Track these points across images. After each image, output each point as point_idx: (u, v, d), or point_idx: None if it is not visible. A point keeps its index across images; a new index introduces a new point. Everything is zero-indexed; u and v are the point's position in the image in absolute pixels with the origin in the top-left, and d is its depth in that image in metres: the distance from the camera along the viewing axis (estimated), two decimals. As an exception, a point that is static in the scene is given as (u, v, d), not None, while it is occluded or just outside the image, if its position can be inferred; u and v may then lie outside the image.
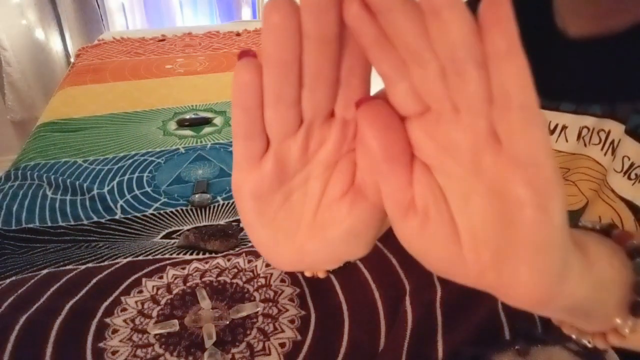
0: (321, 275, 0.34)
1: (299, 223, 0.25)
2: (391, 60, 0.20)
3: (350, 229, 0.24)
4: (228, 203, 0.91)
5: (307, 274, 0.34)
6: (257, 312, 0.56)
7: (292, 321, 0.54)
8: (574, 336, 0.29)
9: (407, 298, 0.53)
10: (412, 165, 0.22)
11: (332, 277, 0.61)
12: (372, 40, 0.19)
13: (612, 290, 0.25)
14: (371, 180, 0.23)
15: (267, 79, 0.21)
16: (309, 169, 0.24)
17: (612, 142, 0.41)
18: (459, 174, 0.21)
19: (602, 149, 0.42)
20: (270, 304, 0.57)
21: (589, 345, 0.29)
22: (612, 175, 0.40)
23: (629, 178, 0.39)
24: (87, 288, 0.59)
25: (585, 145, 0.44)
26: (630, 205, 0.39)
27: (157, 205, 0.91)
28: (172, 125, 1.29)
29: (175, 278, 0.62)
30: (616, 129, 0.40)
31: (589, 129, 0.43)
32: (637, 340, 0.27)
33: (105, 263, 0.65)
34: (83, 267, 0.64)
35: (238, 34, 2.18)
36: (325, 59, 0.20)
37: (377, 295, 0.57)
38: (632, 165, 0.39)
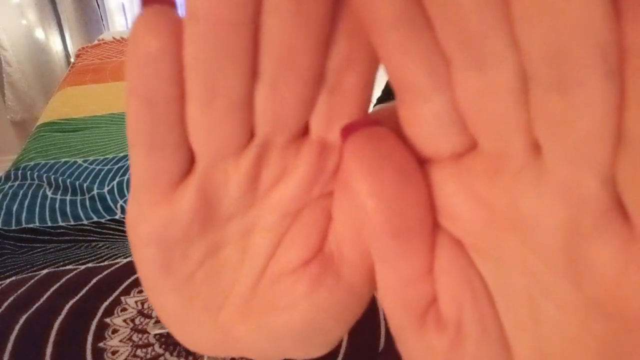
0: None
1: (227, 294, 0.16)
2: (424, 56, 0.11)
3: (305, 322, 0.15)
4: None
5: None
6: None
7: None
8: None
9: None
10: (435, 241, 0.13)
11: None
12: (393, 15, 0.10)
13: None
14: (354, 249, 0.14)
15: (193, 50, 0.12)
16: (254, 214, 0.15)
17: None
18: (528, 264, 0.12)
19: None
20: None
21: None
22: None
23: None
24: (87, 288, 0.59)
25: None
26: None
27: (157, 205, 0.91)
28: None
29: (175, 278, 0.62)
30: None
31: None
32: None
33: (105, 263, 0.65)
34: (83, 267, 0.64)
35: (238, 34, 2.18)
36: (302, 31, 0.11)
37: (376, 294, 0.57)
38: None
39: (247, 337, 0.16)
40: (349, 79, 0.13)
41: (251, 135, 0.14)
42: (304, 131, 0.14)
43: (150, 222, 0.15)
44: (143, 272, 0.16)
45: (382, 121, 0.13)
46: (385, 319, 0.53)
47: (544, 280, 0.12)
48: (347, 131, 0.13)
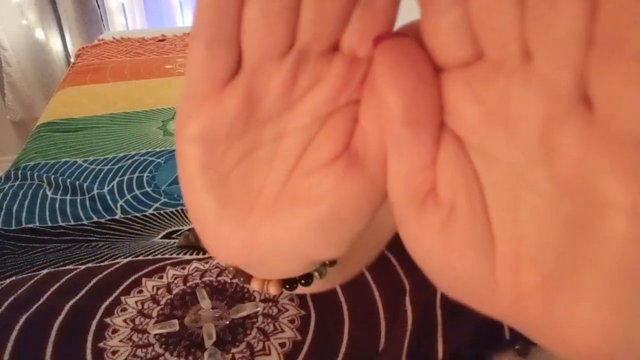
0: (273, 290, 0.24)
1: (259, 192, 0.18)
2: None
3: (332, 211, 0.17)
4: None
5: (255, 285, 0.24)
6: (257, 312, 0.56)
7: (292, 321, 0.54)
8: None
9: (407, 298, 0.53)
10: (440, 138, 0.15)
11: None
12: None
13: None
14: (377, 145, 0.17)
15: None
16: (288, 117, 0.17)
17: None
18: (511, 156, 0.14)
19: None
20: (270, 303, 0.57)
21: None
22: None
23: None
24: (87, 288, 0.59)
25: None
26: None
27: (157, 205, 0.91)
28: (172, 125, 1.29)
29: (175, 278, 0.62)
30: None
31: None
32: None
33: (105, 263, 0.65)
34: (83, 267, 0.64)
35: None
36: None
37: (376, 294, 0.57)
38: None
39: (273, 237, 0.18)
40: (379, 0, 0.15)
41: (292, 43, 0.16)
42: (336, 46, 0.17)
43: (199, 118, 0.17)
44: (184, 169, 0.18)
45: (408, 34, 0.15)
46: (385, 319, 0.53)
47: (523, 170, 0.14)
48: (379, 39, 0.15)
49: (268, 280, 0.25)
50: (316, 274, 0.25)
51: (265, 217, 0.18)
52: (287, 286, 0.25)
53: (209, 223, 0.19)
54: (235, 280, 0.62)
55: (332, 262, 0.25)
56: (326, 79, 0.17)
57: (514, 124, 0.14)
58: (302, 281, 0.25)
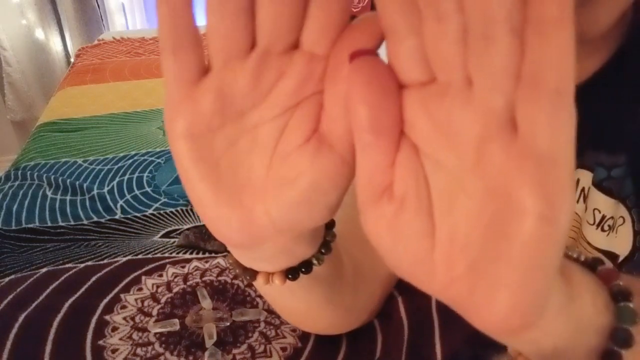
0: (278, 281, 0.27)
1: (247, 178, 0.21)
2: (404, 7, 0.16)
3: (312, 185, 0.20)
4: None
5: (261, 280, 0.27)
6: (259, 319, 0.56)
7: (293, 330, 0.54)
8: None
9: (400, 304, 0.53)
10: (400, 144, 0.18)
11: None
12: None
13: (588, 331, 0.21)
14: (341, 127, 0.19)
15: None
16: (261, 110, 0.20)
17: (583, 189, 0.38)
18: (452, 164, 0.17)
19: (577, 200, 0.39)
20: (274, 315, 0.56)
21: None
22: (586, 228, 0.38)
23: (602, 230, 0.36)
24: (86, 286, 0.59)
25: None
26: (608, 254, 0.36)
27: (157, 205, 0.91)
28: (172, 126, 1.29)
29: (175, 276, 0.62)
30: (585, 177, 0.38)
31: None
32: None
33: (105, 261, 0.65)
34: (82, 265, 0.64)
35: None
36: None
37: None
38: (603, 217, 0.36)
39: (266, 214, 0.21)
40: (333, 4, 0.18)
41: (254, 43, 0.18)
42: (296, 45, 0.19)
43: (180, 117, 0.19)
44: (179, 163, 0.20)
45: (374, 50, 0.18)
46: (381, 327, 0.53)
47: (461, 175, 0.17)
48: (354, 55, 0.18)
49: (272, 273, 0.27)
50: (315, 260, 0.28)
51: (257, 198, 0.21)
52: (290, 276, 0.27)
53: (208, 208, 0.21)
54: (236, 281, 0.61)
55: (327, 249, 0.28)
56: (289, 74, 0.19)
57: (456, 137, 0.17)
58: (303, 269, 0.27)
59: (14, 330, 0.52)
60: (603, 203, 0.36)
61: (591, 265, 0.23)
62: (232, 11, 0.17)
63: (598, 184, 0.36)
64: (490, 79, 0.15)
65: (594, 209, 0.37)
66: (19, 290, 0.58)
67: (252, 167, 0.21)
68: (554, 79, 0.14)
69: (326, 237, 0.29)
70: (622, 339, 0.21)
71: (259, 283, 0.28)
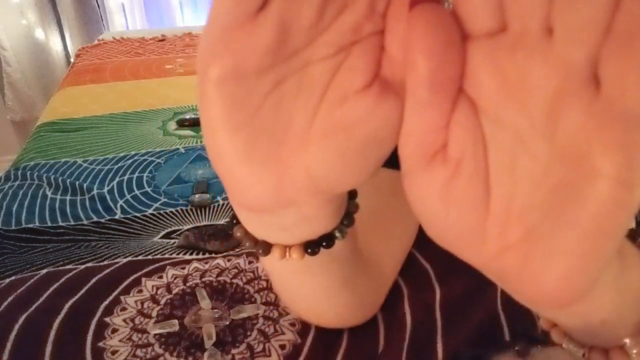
0: (295, 255, 0.24)
1: (287, 128, 0.18)
2: None
3: (371, 134, 0.18)
4: (228, 203, 0.91)
5: (276, 253, 0.24)
6: (258, 314, 0.56)
7: (292, 324, 0.54)
8: (563, 345, 0.24)
9: (406, 301, 0.53)
10: (456, 102, 0.17)
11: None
12: None
13: (636, 304, 0.20)
14: (404, 71, 0.17)
15: None
16: (313, 48, 0.17)
17: None
18: (519, 124, 0.16)
19: None
20: (272, 307, 0.57)
21: (582, 359, 0.24)
22: None
23: None
24: (86, 287, 0.59)
25: None
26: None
27: (157, 205, 0.91)
28: (172, 125, 1.29)
29: (175, 278, 0.62)
30: None
31: None
32: None
33: (105, 263, 0.65)
34: (82, 266, 0.64)
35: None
36: None
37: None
38: None
39: (307, 169, 0.18)
40: None
41: None
42: None
43: (227, 54, 0.16)
44: (208, 113, 0.17)
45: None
46: (384, 323, 0.53)
47: (527, 137, 0.16)
48: (414, 2, 0.16)
49: (289, 246, 0.24)
50: (337, 233, 0.25)
51: (298, 151, 0.18)
52: (309, 250, 0.24)
53: (237, 167, 0.18)
54: (235, 280, 0.61)
55: (350, 222, 0.25)
56: (352, 7, 0.17)
57: (528, 94, 0.15)
58: (324, 243, 0.24)
59: (14, 332, 0.52)
60: None
61: (631, 236, 0.22)
62: None
63: None
64: (575, 30, 0.14)
65: None
66: (19, 291, 0.58)
67: (295, 115, 0.18)
68: None
69: (349, 207, 0.27)
70: None
71: (273, 257, 0.25)
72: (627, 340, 0.21)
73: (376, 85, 0.18)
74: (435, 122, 0.17)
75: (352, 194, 0.28)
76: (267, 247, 0.25)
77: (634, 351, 0.21)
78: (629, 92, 0.14)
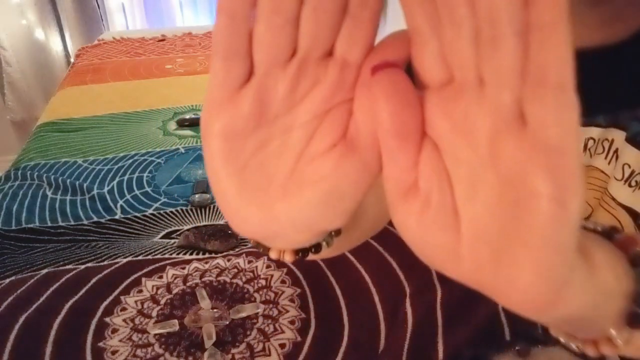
0: (288, 258, 0.28)
1: (272, 178, 0.22)
2: (428, 12, 0.18)
3: (332, 189, 0.21)
4: (228, 203, 0.91)
5: (273, 254, 0.29)
6: (257, 313, 0.56)
7: (292, 322, 0.54)
8: (561, 339, 0.27)
9: (408, 300, 0.53)
10: (422, 144, 0.20)
11: (332, 279, 0.61)
12: None
13: (612, 300, 0.23)
14: (368, 134, 0.21)
15: None
16: (294, 115, 0.21)
17: (616, 150, 0.40)
18: (470, 159, 0.19)
19: (605, 157, 0.41)
20: (271, 305, 0.57)
21: (577, 351, 0.27)
22: (613, 183, 0.40)
23: (630, 185, 0.38)
24: (86, 287, 0.59)
25: (590, 156, 0.43)
26: (630, 211, 0.38)
27: (157, 205, 0.91)
28: (172, 125, 1.29)
29: (175, 278, 0.62)
30: (619, 137, 0.40)
31: (594, 140, 0.42)
32: (630, 351, 0.26)
33: (105, 263, 0.65)
34: (82, 266, 0.64)
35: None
36: None
37: (376, 297, 0.57)
38: (632, 173, 0.38)
39: (286, 212, 0.22)
40: (365, 13, 0.19)
41: (294, 51, 0.20)
42: (331, 53, 0.20)
43: (220, 118, 0.20)
44: (210, 161, 0.22)
45: (397, 64, 0.19)
46: (385, 320, 0.53)
47: (478, 169, 0.19)
48: (375, 69, 0.19)
49: (283, 250, 0.29)
50: (324, 243, 0.29)
51: (278, 197, 0.22)
52: (300, 254, 0.29)
53: (232, 205, 0.22)
54: (235, 280, 0.61)
55: (338, 232, 0.29)
56: (323, 81, 0.20)
57: (472, 134, 0.19)
58: (313, 249, 0.29)
59: (15, 332, 0.52)
60: (635, 157, 0.38)
61: (608, 234, 0.26)
62: (280, 23, 0.19)
63: (632, 139, 0.38)
64: (499, 78, 0.17)
65: (624, 164, 0.38)
66: (19, 291, 0.58)
67: (278, 169, 0.22)
68: (556, 76, 0.16)
69: None
70: None
71: (270, 255, 0.30)
72: (612, 331, 0.24)
73: (340, 147, 0.21)
74: (406, 164, 0.20)
75: None
76: (265, 248, 0.29)
77: (619, 341, 0.24)
78: (548, 126, 0.17)
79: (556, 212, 0.17)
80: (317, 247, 0.29)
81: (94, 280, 0.61)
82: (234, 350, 0.51)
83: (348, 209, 0.22)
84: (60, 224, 0.84)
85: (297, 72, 0.20)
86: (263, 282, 0.61)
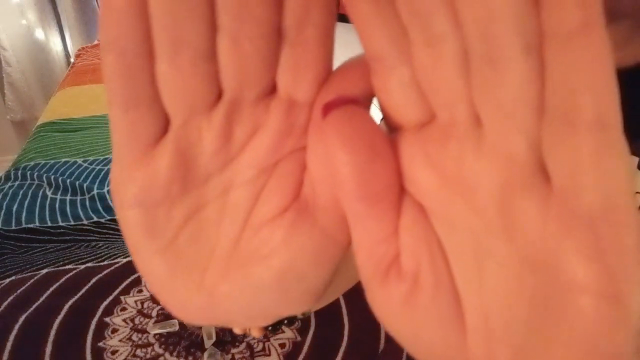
0: (256, 334, 0.24)
1: (210, 253, 0.16)
2: (389, 29, 0.12)
3: (286, 267, 0.16)
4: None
5: (237, 331, 0.24)
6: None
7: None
8: None
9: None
10: (401, 205, 0.14)
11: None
12: None
13: None
14: (327, 193, 0.15)
15: (155, 3, 0.13)
16: (231, 172, 0.16)
17: None
18: (473, 226, 0.13)
19: None
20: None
21: None
22: None
23: None
24: (86, 287, 0.59)
25: None
26: None
27: (157, 205, 0.91)
28: (172, 126, 1.29)
29: (175, 278, 0.62)
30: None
31: None
32: None
33: (105, 262, 0.65)
34: (82, 266, 0.64)
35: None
36: None
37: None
38: None
39: (231, 295, 0.16)
40: (308, 31, 0.14)
41: (220, 92, 0.14)
42: (273, 89, 0.15)
43: (132, 183, 0.15)
44: (128, 235, 0.16)
45: (356, 100, 0.14)
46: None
47: (485, 239, 0.13)
48: (327, 109, 0.14)
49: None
50: (299, 314, 0.24)
51: (219, 277, 0.16)
52: (270, 328, 0.24)
53: (163, 288, 0.17)
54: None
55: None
56: (266, 127, 0.15)
57: (471, 191, 0.13)
58: (286, 322, 0.24)
59: (15, 332, 0.52)
60: None
61: None
62: (187, 59, 0.13)
63: None
64: (503, 115, 0.11)
65: (635, 193, 0.34)
66: (19, 291, 0.58)
67: (217, 241, 0.16)
68: (591, 108, 0.10)
69: None
70: None
71: (234, 331, 0.24)
72: None
73: (291, 211, 0.16)
74: (381, 234, 0.14)
75: None
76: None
77: None
78: (584, 185, 0.11)
79: (606, 313, 0.11)
80: (290, 320, 0.24)
81: (94, 280, 0.61)
82: (233, 350, 0.51)
83: (311, 290, 0.17)
84: (60, 224, 0.84)
85: (227, 118, 0.15)
86: (263, 282, 0.61)
